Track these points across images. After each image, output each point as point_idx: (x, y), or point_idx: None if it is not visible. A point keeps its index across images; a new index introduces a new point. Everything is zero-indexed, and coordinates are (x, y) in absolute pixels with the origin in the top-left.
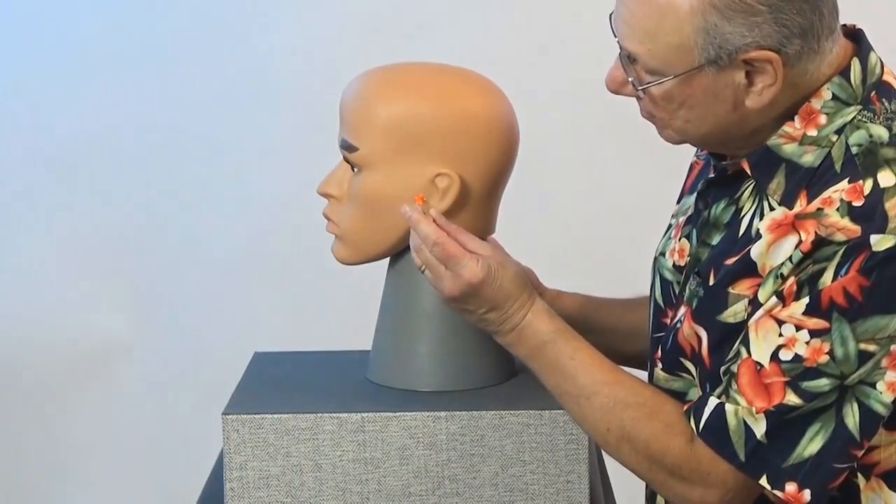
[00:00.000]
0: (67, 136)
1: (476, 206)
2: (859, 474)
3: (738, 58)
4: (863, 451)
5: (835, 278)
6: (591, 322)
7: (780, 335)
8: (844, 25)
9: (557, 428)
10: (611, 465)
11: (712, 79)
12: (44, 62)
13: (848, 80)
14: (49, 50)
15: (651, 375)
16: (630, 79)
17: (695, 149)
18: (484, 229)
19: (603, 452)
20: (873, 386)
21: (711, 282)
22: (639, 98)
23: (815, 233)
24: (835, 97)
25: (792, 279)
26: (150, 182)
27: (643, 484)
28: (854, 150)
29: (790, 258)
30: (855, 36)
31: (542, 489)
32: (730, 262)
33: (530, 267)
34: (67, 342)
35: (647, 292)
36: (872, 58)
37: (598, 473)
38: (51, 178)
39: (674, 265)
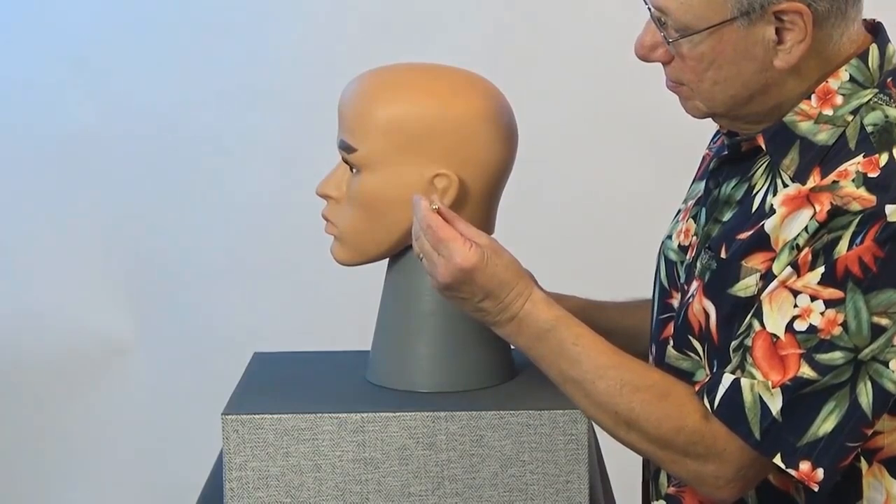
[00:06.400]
0: (67, 137)
1: (475, 207)
2: (862, 458)
3: (770, 10)
4: (872, 429)
5: (850, 247)
6: (589, 325)
7: (796, 306)
8: (865, 20)
9: (557, 428)
10: (611, 465)
11: (743, 34)
12: (43, 62)
13: (866, 63)
14: (49, 50)
15: (658, 360)
16: (662, 34)
17: (703, 144)
18: (483, 230)
19: (602, 452)
20: (886, 364)
21: (724, 255)
22: (666, 64)
23: (831, 203)
24: (852, 79)
25: (807, 249)
26: (150, 182)
27: (642, 484)
28: (869, 129)
29: (805, 228)
30: (875, 28)
31: (542, 489)
32: (743, 236)
33: (529, 268)
34: (67, 342)
35: (644, 295)
36: (890, 48)
37: (598, 473)
38: (50, 178)
39: (679, 246)
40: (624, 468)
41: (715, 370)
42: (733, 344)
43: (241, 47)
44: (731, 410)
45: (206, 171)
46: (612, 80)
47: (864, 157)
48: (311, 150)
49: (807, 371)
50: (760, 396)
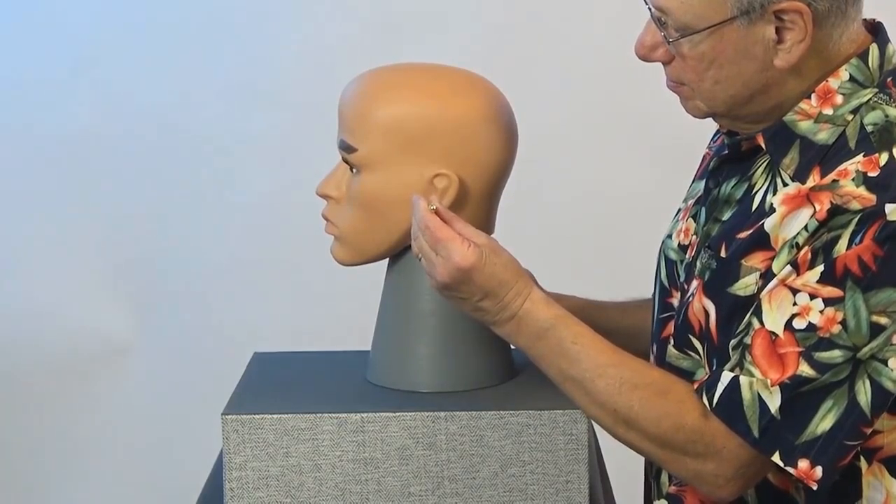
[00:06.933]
0: (67, 137)
1: (475, 207)
2: (861, 458)
3: (770, 9)
4: (871, 428)
5: (849, 246)
6: (589, 325)
7: (795, 304)
8: (865, 19)
9: (557, 428)
10: (611, 465)
11: (744, 33)
12: (43, 62)
13: (866, 63)
14: (49, 50)
15: (659, 359)
16: (662, 34)
17: (703, 144)
18: (483, 230)
19: (602, 452)
20: (885, 363)
21: (724, 254)
22: (667, 63)
23: (830, 202)
24: (852, 78)
25: (807, 248)
26: (150, 182)
27: (643, 484)
28: (869, 128)
29: (805, 227)
30: (875, 28)
31: (542, 489)
32: (742, 235)
33: (529, 268)
34: (67, 342)
35: (644, 294)
36: (890, 48)
37: (598, 473)
38: (51, 178)
39: (679, 245)
40: (624, 468)
41: (714, 368)
42: (732, 342)
43: (242, 47)
44: (730, 408)
45: (206, 171)
46: (612, 80)
47: (864, 156)
48: (311, 150)
49: (805, 369)
50: (759, 394)
